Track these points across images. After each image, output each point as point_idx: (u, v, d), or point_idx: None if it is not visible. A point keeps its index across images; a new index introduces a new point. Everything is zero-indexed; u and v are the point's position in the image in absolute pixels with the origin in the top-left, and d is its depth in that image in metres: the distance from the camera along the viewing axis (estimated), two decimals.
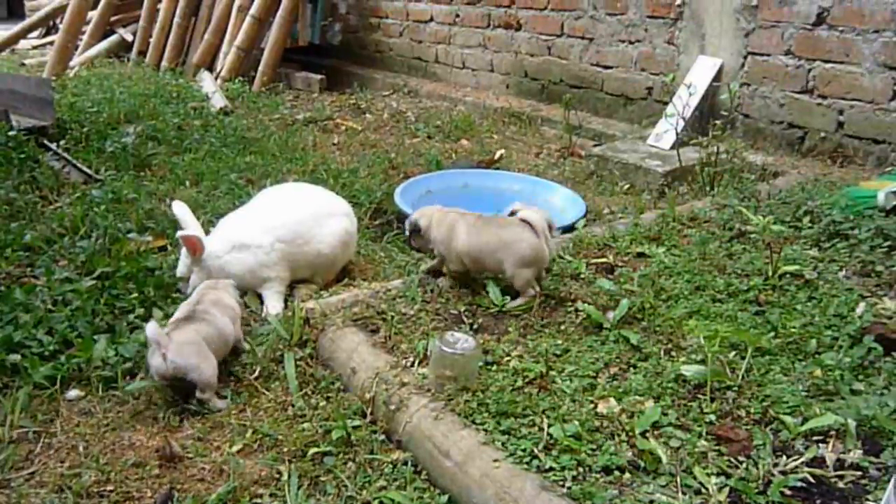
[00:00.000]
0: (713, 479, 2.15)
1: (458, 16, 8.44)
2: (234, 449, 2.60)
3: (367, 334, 3.04)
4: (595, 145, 6.09)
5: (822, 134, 5.33)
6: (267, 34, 8.90)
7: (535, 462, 2.23)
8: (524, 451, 2.27)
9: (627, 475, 2.18)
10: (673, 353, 2.84)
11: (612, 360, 2.81)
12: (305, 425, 2.67)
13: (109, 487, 2.41)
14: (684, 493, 2.10)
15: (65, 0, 10.13)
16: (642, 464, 2.22)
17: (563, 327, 3.06)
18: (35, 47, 11.76)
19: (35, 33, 12.08)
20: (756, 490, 2.11)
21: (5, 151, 5.12)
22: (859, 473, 2.18)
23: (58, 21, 11.19)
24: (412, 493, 2.33)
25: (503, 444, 2.31)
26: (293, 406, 2.80)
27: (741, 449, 2.28)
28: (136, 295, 3.49)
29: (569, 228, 4.12)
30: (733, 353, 2.76)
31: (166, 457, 2.53)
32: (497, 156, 6.10)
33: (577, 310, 3.15)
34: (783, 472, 2.18)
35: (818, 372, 2.65)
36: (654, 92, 6.52)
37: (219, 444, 2.64)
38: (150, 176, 5.37)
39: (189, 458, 2.56)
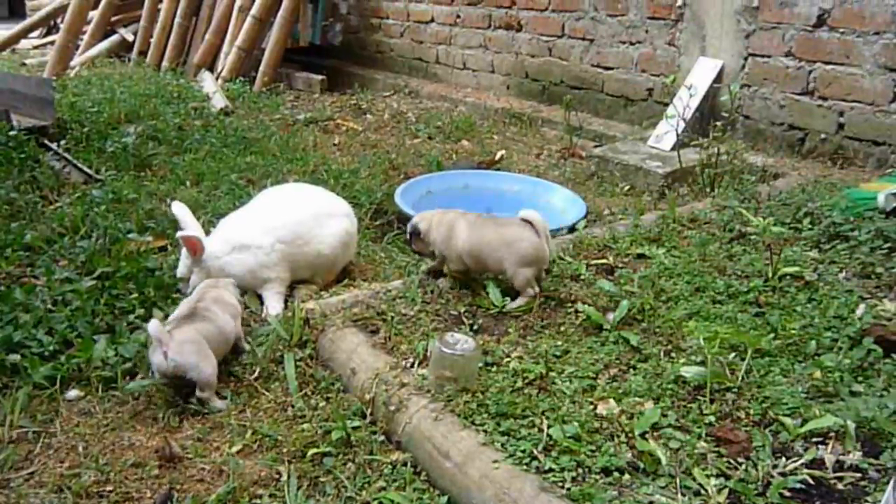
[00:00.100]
0: (712, 481, 2.15)
1: (458, 16, 8.45)
2: (234, 449, 2.60)
3: (367, 335, 3.04)
4: (596, 146, 6.09)
5: (823, 135, 5.33)
6: (268, 34, 8.90)
7: (535, 463, 2.23)
8: (524, 452, 2.27)
9: (627, 476, 2.18)
10: (673, 355, 2.84)
11: (612, 361, 2.81)
12: (305, 426, 2.67)
13: (109, 488, 2.42)
14: (683, 495, 2.10)
15: (66, 0, 10.12)
16: (642, 465, 2.22)
17: (563, 328, 3.06)
18: (36, 47, 11.75)
19: (36, 33, 12.08)
20: (755, 491, 2.11)
21: (6, 151, 5.12)
22: (858, 475, 2.18)
23: (59, 21, 11.19)
24: (412, 493, 2.33)
25: (503, 444, 2.32)
26: (293, 407, 2.80)
27: (741, 450, 2.28)
28: (136, 295, 3.49)
29: (570, 229, 4.12)
30: (733, 354, 2.76)
31: (166, 457, 2.53)
32: (498, 157, 6.10)
33: (577, 311, 3.15)
34: (782, 474, 2.18)
35: (818, 373, 2.65)
36: (654, 93, 6.52)
37: (218, 445, 2.64)
38: (151, 176, 5.37)
39: (189, 458, 2.56)
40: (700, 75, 5.87)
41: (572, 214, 4.51)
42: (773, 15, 5.48)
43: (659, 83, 6.41)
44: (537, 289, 3.22)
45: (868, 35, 4.97)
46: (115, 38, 10.33)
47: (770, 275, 3.34)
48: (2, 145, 5.18)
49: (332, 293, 3.51)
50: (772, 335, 2.89)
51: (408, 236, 3.53)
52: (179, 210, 3.64)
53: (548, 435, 2.33)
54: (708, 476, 2.17)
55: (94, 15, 10.18)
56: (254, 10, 8.68)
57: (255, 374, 3.03)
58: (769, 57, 5.57)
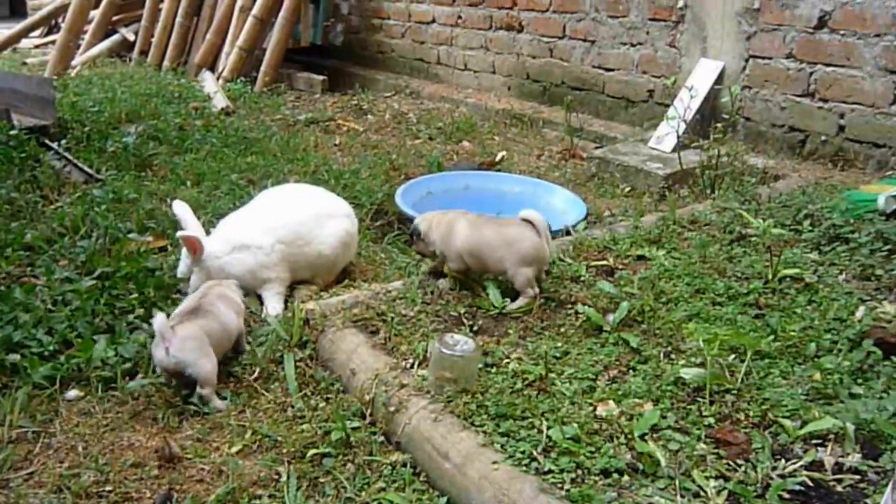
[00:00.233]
0: (712, 483, 2.15)
1: (460, 17, 8.44)
2: (234, 450, 2.60)
3: (367, 336, 3.04)
4: (596, 147, 6.09)
5: (823, 137, 5.33)
6: (269, 34, 8.89)
7: (534, 464, 2.23)
8: (523, 453, 2.27)
9: (626, 478, 2.18)
10: (672, 356, 2.84)
11: (612, 362, 2.81)
12: (305, 426, 2.67)
13: (108, 488, 2.42)
14: (683, 496, 2.10)
15: None
16: (641, 466, 2.22)
17: (562, 329, 3.06)
18: (37, 46, 11.74)
19: (37, 32, 12.07)
20: (754, 493, 2.11)
21: (6, 150, 5.12)
22: (858, 477, 2.19)
23: (60, 20, 11.19)
24: (411, 494, 2.33)
25: (502, 445, 2.32)
26: (293, 407, 2.81)
27: (740, 452, 2.28)
28: (136, 295, 3.49)
29: (567, 231, 4.12)
30: (733, 356, 2.76)
31: (165, 457, 2.53)
32: (498, 157, 6.10)
33: (577, 312, 3.15)
34: (782, 476, 2.18)
35: (817, 375, 2.65)
36: (655, 94, 6.52)
37: (218, 445, 2.64)
38: (151, 176, 5.37)
39: (188, 458, 2.56)
40: (701, 77, 5.87)
41: (573, 216, 4.51)
42: (774, 17, 5.48)
43: (660, 84, 6.41)
44: (537, 289, 3.22)
45: (869, 37, 4.97)
46: (116, 37, 10.33)
47: (770, 277, 3.34)
48: (2, 144, 5.18)
49: (332, 294, 3.51)
50: (771, 337, 2.90)
51: (409, 237, 3.53)
52: (180, 209, 3.64)
53: (547, 436, 2.33)
54: (707, 478, 2.17)
55: (96, 14, 10.17)
56: (255, 10, 8.68)
57: (255, 374, 3.03)
58: (770, 59, 5.57)
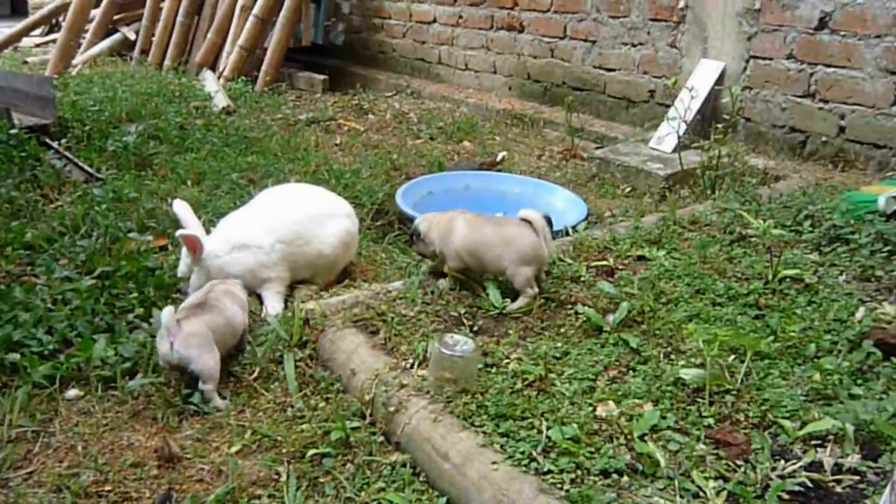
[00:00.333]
0: (711, 483, 2.15)
1: (461, 17, 8.44)
2: (233, 450, 2.60)
3: (367, 336, 3.04)
4: (597, 148, 6.09)
5: (824, 138, 5.33)
6: (270, 34, 8.89)
7: (534, 464, 2.23)
8: (523, 453, 2.27)
9: (625, 478, 2.18)
10: (672, 357, 2.83)
11: (612, 363, 2.81)
12: (304, 426, 2.67)
13: (108, 488, 2.42)
14: (682, 497, 2.10)
15: None
16: (640, 467, 2.22)
17: (562, 330, 3.06)
18: (38, 45, 11.74)
19: (38, 31, 12.07)
20: (754, 494, 2.11)
21: (7, 150, 5.12)
22: (857, 478, 2.18)
23: (61, 19, 11.19)
24: (410, 494, 2.33)
25: (502, 446, 2.32)
26: (292, 407, 2.81)
27: (739, 453, 2.28)
28: (135, 295, 3.49)
29: (565, 232, 4.11)
30: (732, 356, 2.76)
31: (165, 457, 2.53)
32: (499, 157, 6.10)
33: (577, 312, 3.14)
34: (781, 477, 2.18)
35: (817, 376, 2.64)
36: (656, 95, 6.52)
37: (217, 445, 2.64)
38: (152, 175, 5.36)
39: (188, 458, 2.56)
40: (701, 77, 5.87)
41: (573, 216, 4.51)
42: (775, 17, 5.48)
43: (660, 85, 6.41)
44: (536, 289, 3.22)
45: (869, 38, 4.97)
46: (117, 36, 10.33)
47: (770, 277, 3.34)
48: (3, 143, 5.18)
49: (332, 293, 3.51)
50: (771, 338, 2.90)
51: (409, 238, 3.54)
52: (181, 208, 3.64)
53: (547, 436, 2.33)
54: (707, 478, 2.17)
55: (97, 13, 10.17)
56: (256, 10, 8.68)
57: (255, 374, 3.03)
58: (770, 59, 5.57)
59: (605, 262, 3.64)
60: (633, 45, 6.63)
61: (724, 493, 2.11)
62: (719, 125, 4.98)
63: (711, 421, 2.44)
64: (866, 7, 4.97)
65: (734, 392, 2.58)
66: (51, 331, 3.19)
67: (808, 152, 5.41)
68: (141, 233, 4.22)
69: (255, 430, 2.68)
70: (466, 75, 8.53)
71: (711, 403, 2.53)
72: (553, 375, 2.69)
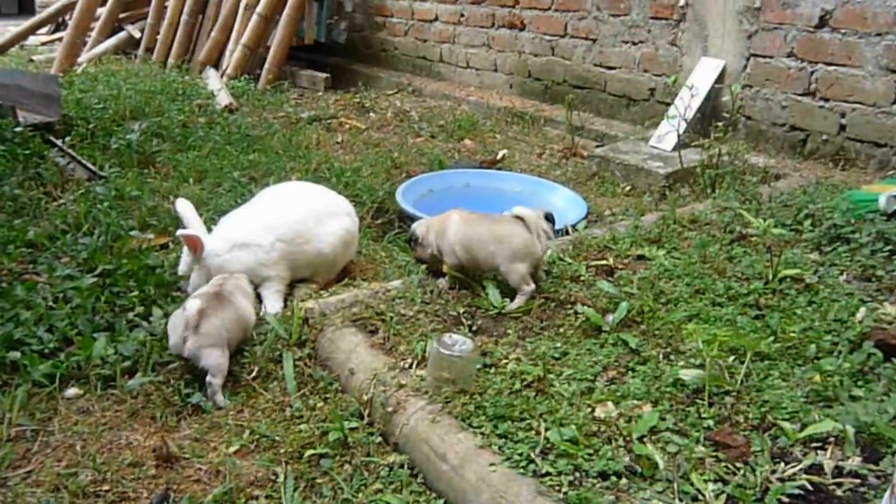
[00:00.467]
0: (710, 486, 2.14)
1: (462, 15, 8.44)
2: (231, 450, 2.60)
3: (366, 335, 3.04)
4: (597, 146, 6.09)
5: (824, 137, 5.32)
6: (273, 32, 8.90)
7: (532, 466, 2.22)
8: (521, 455, 2.26)
9: (624, 481, 2.17)
10: (672, 357, 2.83)
11: (611, 363, 2.80)
12: (303, 426, 2.67)
13: (105, 487, 2.41)
14: (681, 500, 2.10)
15: None
16: (639, 469, 2.21)
17: (561, 330, 3.05)
18: (44, 43, 11.77)
19: (45, 29, 12.09)
20: (753, 497, 2.09)
21: (11, 147, 5.13)
22: (858, 481, 2.17)
23: (67, 17, 11.18)
24: (408, 496, 2.32)
25: (500, 447, 2.31)
26: (291, 407, 2.80)
27: (739, 455, 2.27)
28: (136, 293, 3.49)
29: (565, 231, 4.11)
30: (732, 357, 2.75)
31: (163, 457, 2.53)
32: (499, 156, 6.09)
33: (576, 312, 3.14)
34: (781, 479, 2.17)
35: (817, 377, 2.63)
36: (656, 93, 6.51)
37: (216, 445, 2.64)
38: (154, 173, 5.37)
39: (186, 458, 2.56)
40: (702, 75, 5.86)
41: (573, 214, 4.51)
42: (775, 15, 5.47)
43: (661, 83, 6.40)
44: (533, 285, 3.22)
45: (870, 36, 4.96)
46: (122, 34, 10.33)
47: (770, 277, 3.33)
48: (7, 141, 5.19)
49: (331, 292, 3.50)
50: (771, 338, 2.89)
51: (408, 243, 3.54)
52: (183, 207, 3.64)
53: (545, 438, 2.32)
54: (706, 481, 2.16)
55: (103, 12, 10.19)
56: (259, 8, 8.67)
57: (254, 373, 3.03)
58: (771, 57, 5.56)
59: (604, 262, 3.63)
60: (634, 44, 6.62)
61: (724, 496, 2.10)
62: (719, 123, 4.97)
63: (711, 422, 2.43)
64: (867, 5, 4.96)
65: (734, 393, 2.57)
66: (51, 329, 3.18)
67: (809, 151, 5.40)
68: (142, 231, 4.22)
69: (254, 430, 2.68)
70: (467, 73, 8.53)
71: (711, 405, 2.52)
72: (552, 376, 2.69)
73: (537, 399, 2.55)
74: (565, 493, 2.10)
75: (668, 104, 5.86)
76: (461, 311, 3.19)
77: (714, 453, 2.28)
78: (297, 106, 7.93)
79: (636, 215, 4.26)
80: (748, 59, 5.70)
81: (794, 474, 2.19)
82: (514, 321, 3.12)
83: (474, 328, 3.08)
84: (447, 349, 2.60)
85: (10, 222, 4.19)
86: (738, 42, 5.74)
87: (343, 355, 2.96)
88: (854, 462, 2.24)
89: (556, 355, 2.84)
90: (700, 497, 2.11)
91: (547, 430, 2.36)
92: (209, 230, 3.66)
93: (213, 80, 8.36)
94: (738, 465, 2.23)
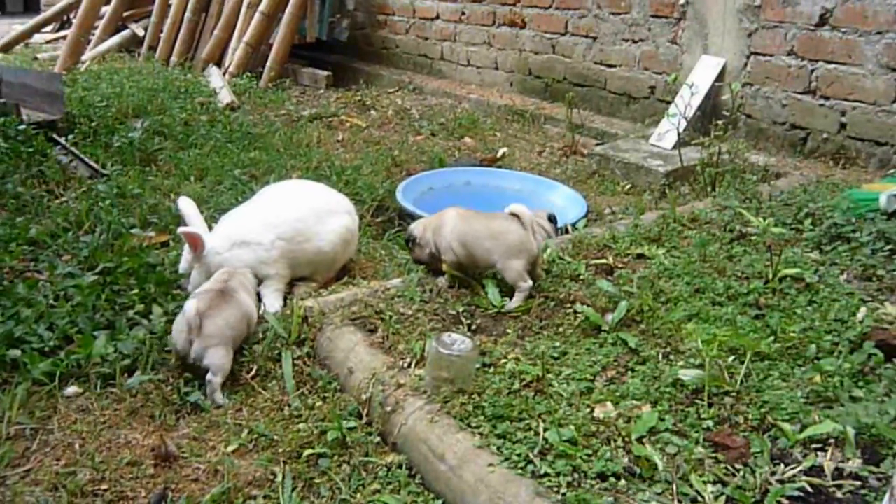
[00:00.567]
0: (709, 487, 2.12)
1: (463, 13, 8.43)
2: (230, 449, 2.60)
3: (365, 334, 3.03)
4: (597, 144, 6.09)
5: (825, 135, 5.31)
6: (275, 30, 8.91)
7: (530, 467, 2.21)
8: (519, 455, 2.25)
9: (623, 482, 2.16)
10: (671, 357, 2.82)
11: (610, 363, 2.79)
12: (301, 426, 2.66)
13: (104, 486, 2.42)
14: (680, 501, 2.09)
15: None
16: (638, 470, 2.20)
17: (561, 329, 3.04)
18: (49, 41, 11.77)
19: (49, 28, 12.11)
20: (753, 499, 2.08)
21: (15, 145, 5.14)
22: (858, 483, 2.15)
23: (71, 16, 11.21)
24: (406, 496, 2.31)
25: (498, 448, 2.30)
26: (289, 406, 2.80)
27: (738, 456, 2.26)
28: (136, 291, 3.49)
29: (565, 230, 4.10)
30: (732, 357, 2.73)
31: (161, 456, 2.53)
32: (500, 154, 6.09)
33: (575, 311, 3.13)
34: (781, 481, 2.15)
35: (818, 378, 2.62)
36: (656, 91, 6.51)
37: (214, 444, 2.64)
38: (156, 171, 5.38)
39: (184, 457, 2.56)
40: (702, 74, 5.86)
41: (573, 213, 4.51)
42: (776, 14, 5.46)
43: (661, 81, 6.40)
44: (530, 282, 3.22)
45: (870, 34, 4.95)
46: (126, 32, 10.33)
47: (770, 276, 3.31)
48: (11, 139, 5.21)
49: (330, 291, 3.50)
50: (771, 338, 2.87)
51: (406, 244, 3.53)
52: (186, 205, 3.63)
53: (544, 438, 2.31)
54: (705, 482, 2.14)
55: (107, 10, 10.20)
56: (262, 6, 8.68)
57: (253, 371, 3.03)
58: (771, 56, 5.55)
59: (604, 261, 3.63)
60: (634, 42, 6.62)
61: (723, 498, 2.09)
62: (720, 122, 4.95)
63: (710, 423, 2.42)
64: (867, 3, 4.95)
65: (733, 394, 2.56)
66: (52, 327, 3.19)
67: (809, 149, 5.40)
68: (143, 229, 4.22)
69: (252, 429, 2.68)
70: (468, 71, 8.52)
71: (710, 405, 2.51)
72: (551, 376, 2.68)
73: (536, 399, 2.54)
74: (564, 494, 2.10)
75: (669, 102, 5.85)
76: (460, 310, 3.18)
77: (713, 454, 2.27)
78: (299, 104, 7.93)
79: (636, 214, 4.25)
80: (748, 58, 5.70)
81: (794, 476, 2.18)
82: (513, 320, 3.11)
83: (473, 327, 3.08)
84: (446, 348, 2.59)
85: (13, 220, 4.20)
86: (738, 40, 5.73)
87: (342, 354, 2.95)
88: (854, 464, 2.22)
89: (556, 355, 2.83)
90: (699, 498, 2.10)
91: (546, 430, 2.35)
92: (210, 228, 3.65)
93: (216, 78, 8.37)
94: (737, 466, 2.22)
